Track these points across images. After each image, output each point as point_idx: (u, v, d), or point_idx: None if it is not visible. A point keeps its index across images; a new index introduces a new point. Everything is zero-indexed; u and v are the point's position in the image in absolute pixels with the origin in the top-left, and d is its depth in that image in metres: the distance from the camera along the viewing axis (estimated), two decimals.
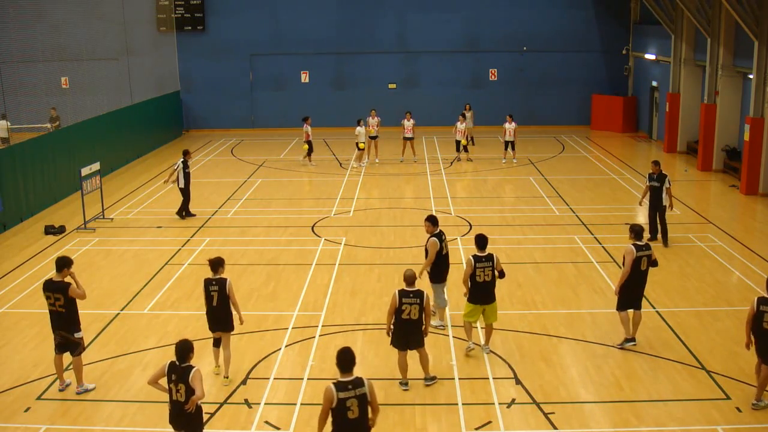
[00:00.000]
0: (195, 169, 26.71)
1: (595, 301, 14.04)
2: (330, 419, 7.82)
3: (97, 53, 31.31)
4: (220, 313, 10.93)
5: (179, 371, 8.29)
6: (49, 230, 18.90)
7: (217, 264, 10.94)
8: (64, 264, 10.71)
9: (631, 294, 11.78)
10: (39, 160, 21.11)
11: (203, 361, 11.67)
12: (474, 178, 24.86)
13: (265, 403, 10.49)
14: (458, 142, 26.84)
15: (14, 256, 17.27)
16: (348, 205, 21.35)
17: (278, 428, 9.87)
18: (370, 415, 7.92)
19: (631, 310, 11.91)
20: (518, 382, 10.96)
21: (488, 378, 11.09)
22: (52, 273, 10.95)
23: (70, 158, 22.78)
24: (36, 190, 20.90)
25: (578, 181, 24.02)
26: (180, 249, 17.51)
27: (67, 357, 10.87)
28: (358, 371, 11.28)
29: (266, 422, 10.01)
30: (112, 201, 21.94)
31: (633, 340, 11.90)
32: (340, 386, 7.73)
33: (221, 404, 10.46)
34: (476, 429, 9.78)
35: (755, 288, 14.27)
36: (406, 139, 26.90)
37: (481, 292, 11.48)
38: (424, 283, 11.94)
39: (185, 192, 19.80)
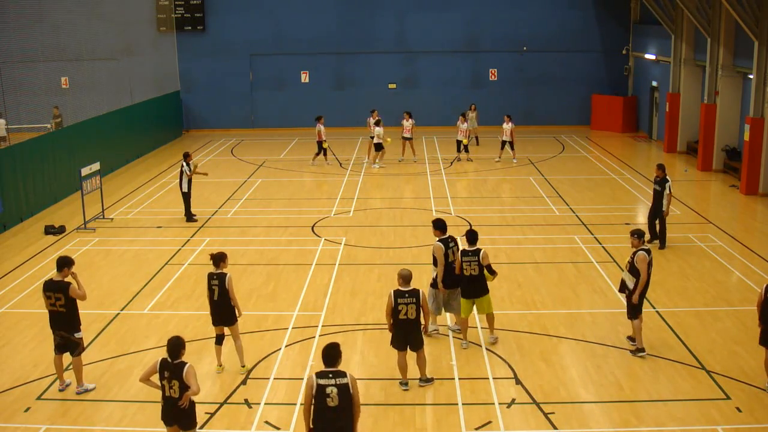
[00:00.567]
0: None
1: (595, 301, 14.04)
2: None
3: (97, 53, 31.33)
4: (221, 307, 11.08)
5: (172, 368, 8.36)
6: (49, 230, 18.90)
7: (218, 259, 11.13)
8: (64, 263, 10.73)
9: (641, 300, 11.63)
10: (39, 160, 21.11)
11: (204, 360, 11.69)
12: (474, 178, 24.86)
13: (265, 403, 10.49)
14: (459, 142, 26.82)
15: (14, 256, 17.27)
16: (348, 205, 21.35)
17: (278, 428, 9.87)
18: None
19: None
20: (518, 382, 10.96)
21: (488, 378, 11.09)
22: (52, 273, 10.95)
23: (70, 158, 22.78)
24: (36, 190, 20.91)
25: (578, 181, 24.03)
26: (180, 249, 17.51)
27: (67, 357, 10.87)
28: (358, 371, 11.38)
29: (266, 422, 10.02)
30: (112, 201, 21.94)
31: (643, 350, 11.69)
32: (320, 374, 7.91)
33: (221, 404, 10.47)
34: (476, 429, 9.78)
35: (755, 288, 14.26)
36: (405, 139, 26.90)
37: (470, 286, 11.79)
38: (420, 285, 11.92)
39: (186, 196, 19.66)
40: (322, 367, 8.06)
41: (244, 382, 11.07)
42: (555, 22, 33.72)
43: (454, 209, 20.65)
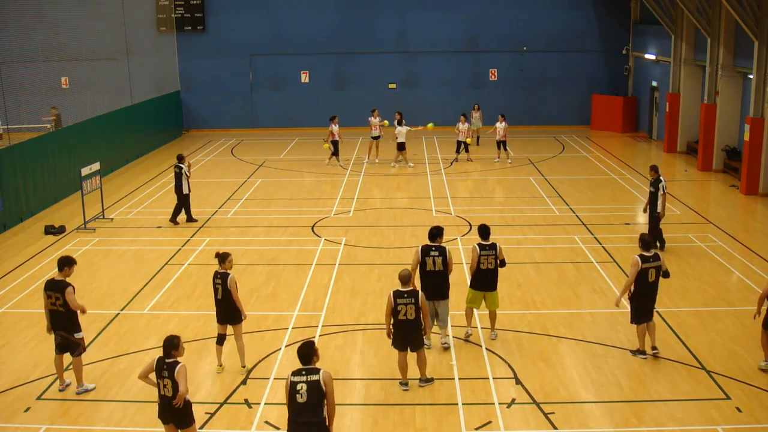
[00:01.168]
0: (195, 169, 26.75)
1: (595, 301, 14.04)
2: None
3: (97, 53, 31.34)
4: (225, 306, 11.16)
5: (165, 366, 8.44)
6: (49, 230, 18.90)
7: (222, 258, 11.22)
8: (65, 263, 10.79)
9: (641, 306, 11.49)
10: (39, 160, 21.11)
11: (204, 360, 11.69)
12: (474, 178, 24.86)
13: (265, 403, 10.49)
14: (459, 142, 26.77)
15: (14, 256, 17.27)
16: (348, 205, 21.35)
17: (278, 428, 9.87)
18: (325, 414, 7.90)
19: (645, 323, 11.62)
20: (518, 382, 10.96)
21: (488, 378, 11.09)
22: (53, 272, 10.97)
23: (70, 158, 22.78)
24: (36, 190, 20.91)
25: (578, 181, 24.03)
26: (180, 249, 17.51)
27: (67, 357, 10.87)
28: (358, 371, 11.38)
29: (266, 422, 10.02)
30: (112, 201, 21.94)
31: (644, 353, 11.61)
32: (295, 372, 8.01)
33: (221, 404, 10.47)
34: (476, 429, 9.78)
35: (755, 288, 14.27)
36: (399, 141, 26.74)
37: (484, 279, 11.91)
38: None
39: (187, 197, 19.52)
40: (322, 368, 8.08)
41: (244, 382, 11.07)
42: (555, 22, 33.72)
43: (454, 209, 20.65)
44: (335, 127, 25.89)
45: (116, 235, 18.90)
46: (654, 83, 31.45)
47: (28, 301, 14.43)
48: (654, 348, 11.60)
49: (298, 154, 29.18)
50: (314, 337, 12.54)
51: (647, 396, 10.53)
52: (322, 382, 7.86)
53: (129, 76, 31.49)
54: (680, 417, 9.97)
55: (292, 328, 12.99)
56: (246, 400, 10.57)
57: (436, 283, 11.61)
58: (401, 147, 26.15)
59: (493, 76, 34.55)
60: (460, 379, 11.08)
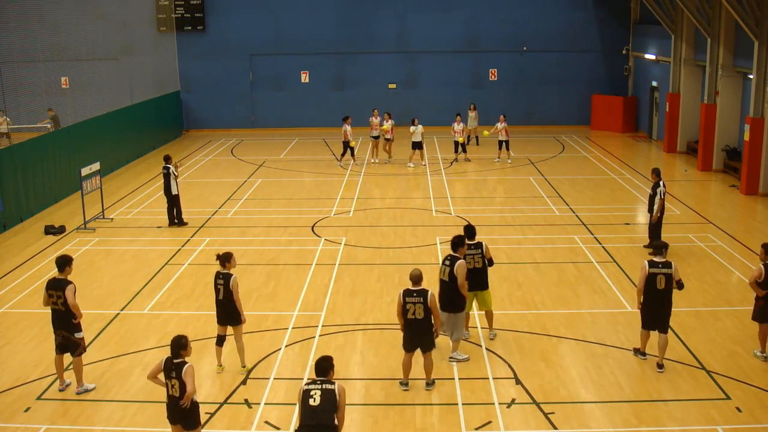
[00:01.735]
0: (195, 169, 26.77)
1: (595, 301, 14.04)
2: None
3: (97, 53, 31.38)
4: (227, 307, 11.14)
5: (173, 366, 8.46)
6: (49, 230, 18.90)
7: (223, 259, 11.21)
8: (65, 262, 10.81)
9: (649, 314, 11.22)
10: (39, 160, 21.11)
11: (204, 360, 11.69)
12: (474, 178, 24.86)
13: (265, 403, 10.49)
14: (456, 143, 26.77)
15: (14, 256, 17.28)
16: (348, 205, 21.35)
17: (278, 428, 9.87)
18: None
19: (655, 332, 11.29)
20: (518, 382, 10.96)
21: (488, 378, 11.09)
22: (54, 272, 10.98)
23: (70, 158, 22.78)
24: (36, 190, 20.91)
25: (578, 181, 24.02)
26: (180, 249, 17.51)
27: (67, 357, 10.87)
28: (358, 371, 11.39)
29: (266, 422, 10.02)
30: (112, 201, 21.94)
31: (644, 354, 11.48)
32: (310, 382, 8.03)
33: (221, 404, 10.47)
34: (476, 429, 9.78)
35: None
36: (386, 140, 26.78)
37: (472, 278, 11.80)
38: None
39: (176, 198, 19.29)
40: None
41: (244, 382, 11.07)
42: (555, 22, 33.72)
43: (454, 209, 20.65)
44: (348, 128, 25.89)
45: (116, 235, 18.90)
46: (654, 83, 31.45)
47: (28, 301, 14.43)
48: (660, 365, 11.22)
49: (298, 154, 29.19)
50: (314, 337, 12.54)
51: (647, 396, 10.53)
52: (337, 393, 7.90)
53: (129, 76, 31.51)
54: (680, 417, 9.97)
55: (292, 328, 12.99)
56: (246, 400, 10.57)
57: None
58: (417, 146, 26.14)
59: (493, 76, 34.55)
60: (460, 379, 11.08)
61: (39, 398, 10.72)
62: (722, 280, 15.05)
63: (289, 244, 17.83)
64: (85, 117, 26.23)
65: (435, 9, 33.84)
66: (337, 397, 7.88)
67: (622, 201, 21.57)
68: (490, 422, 9.90)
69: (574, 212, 20.14)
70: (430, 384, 10.85)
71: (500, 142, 26.56)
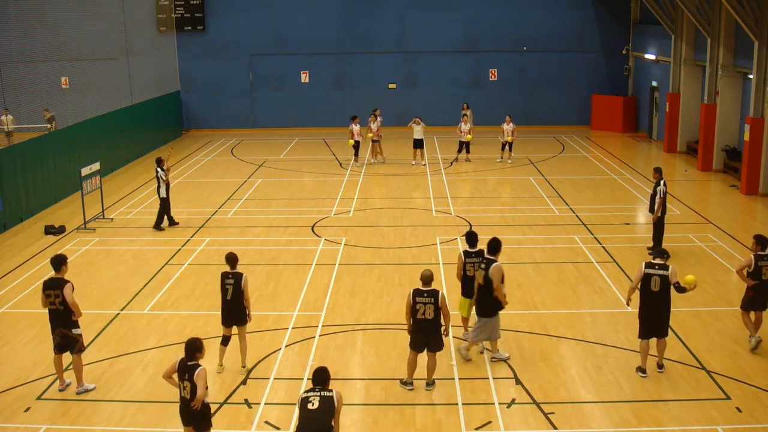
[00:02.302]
0: (195, 169, 26.78)
1: (595, 301, 14.04)
2: None
3: (97, 53, 31.37)
4: (234, 307, 11.15)
5: (186, 369, 8.49)
6: (49, 230, 18.90)
7: (234, 259, 11.25)
8: (61, 262, 10.85)
9: (646, 320, 11.01)
10: (39, 160, 21.11)
11: (205, 360, 11.63)
12: (474, 178, 24.86)
13: (265, 403, 10.49)
14: (461, 143, 26.74)
15: (14, 256, 17.28)
16: (348, 205, 21.35)
17: (278, 428, 9.87)
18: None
19: (654, 339, 11.12)
20: (518, 382, 10.96)
21: (488, 378, 11.09)
22: (52, 273, 10.97)
23: (70, 158, 22.78)
24: (36, 190, 20.90)
25: (578, 181, 24.03)
26: (180, 249, 17.51)
27: (67, 357, 10.87)
28: (358, 371, 11.38)
29: (266, 422, 10.02)
30: (112, 201, 21.94)
31: (644, 371, 11.11)
32: (308, 390, 8.07)
33: (221, 404, 10.47)
34: (476, 429, 9.78)
35: None
36: (374, 141, 26.76)
37: (471, 286, 11.75)
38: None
39: (165, 201, 19.13)
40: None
41: (244, 382, 11.07)
42: (555, 22, 33.71)
43: (454, 209, 20.65)
44: (356, 127, 25.90)
45: (116, 235, 18.90)
46: (654, 83, 31.45)
47: (28, 301, 14.42)
48: (660, 366, 11.18)
49: (298, 154, 29.19)
50: (314, 337, 12.54)
51: (647, 396, 10.53)
52: (335, 399, 7.94)
53: (129, 76, 31.51)
54: (680, 417, 9.98)
55: (292, 328, 12.99)
56: (246, 400, 10.57)
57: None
58: (417, 144, 26.18)
59: (493, 76, 34.54)
60: (460, 379, 11.08)
61: (39, 398, 10.71)
62: (722, 280, 15.05)
63: (289, 244, 17.83)
64: (85, 117, 26.23)
65: (435, 9, 33.83)
66: (336, 403, 7.92)
67: (622, 201, 21.57)
68: (490, 422, 9.90)
69: (574, 212, 20.14)
70: (430, 384, 10.85)
71: (503, 144, 26.56)
